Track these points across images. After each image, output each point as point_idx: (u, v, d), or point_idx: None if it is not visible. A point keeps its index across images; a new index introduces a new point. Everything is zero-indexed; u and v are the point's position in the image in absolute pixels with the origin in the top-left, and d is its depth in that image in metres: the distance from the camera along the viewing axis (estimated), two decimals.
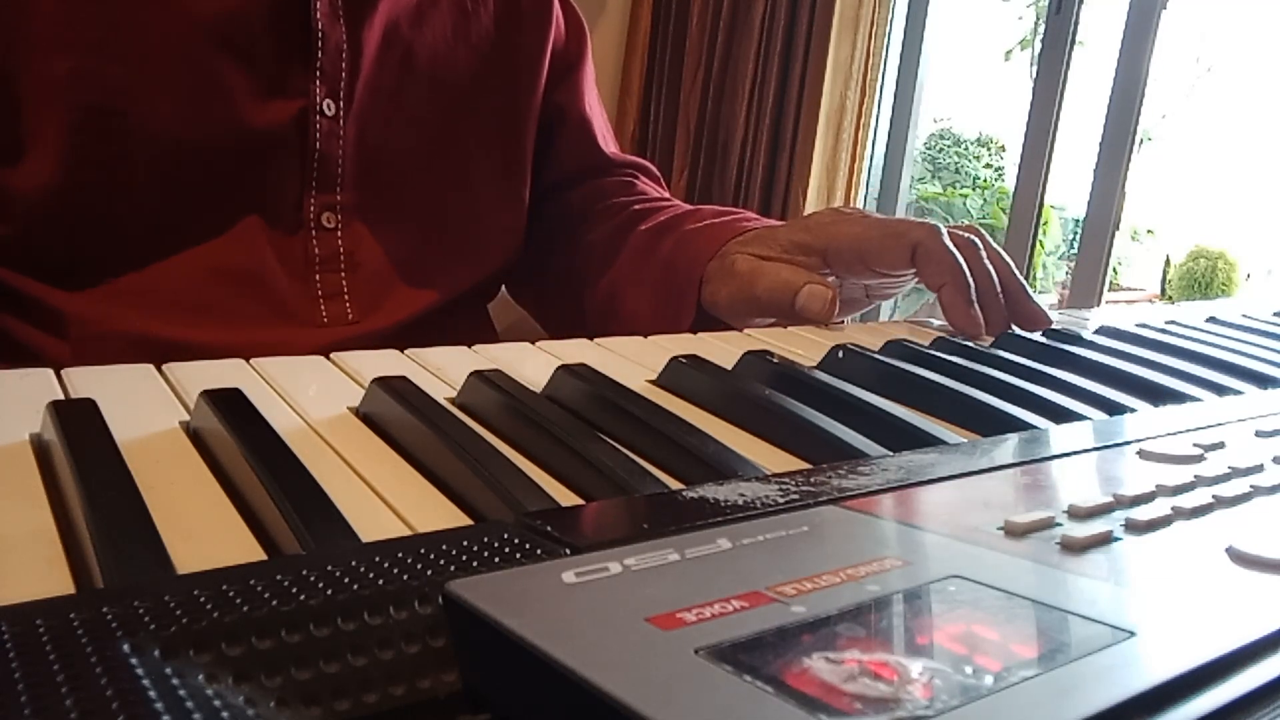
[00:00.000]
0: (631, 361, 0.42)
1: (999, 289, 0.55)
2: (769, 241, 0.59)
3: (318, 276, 0.59)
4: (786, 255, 0.58)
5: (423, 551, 0.20)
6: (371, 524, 0.24)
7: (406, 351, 0.40)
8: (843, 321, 0.64)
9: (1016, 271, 0.56)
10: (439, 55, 0.64)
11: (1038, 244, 2.70)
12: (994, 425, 0.34)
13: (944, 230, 0.55)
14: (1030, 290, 0.56)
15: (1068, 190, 3.19)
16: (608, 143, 0.79)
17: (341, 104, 0.59)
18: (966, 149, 4.70)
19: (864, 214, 0.59)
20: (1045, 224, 3.83)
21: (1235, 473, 0.27)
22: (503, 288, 0.77)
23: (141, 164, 0.54)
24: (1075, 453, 0.30)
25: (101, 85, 0.52)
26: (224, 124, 0.55)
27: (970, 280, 0.53)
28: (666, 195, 0.78)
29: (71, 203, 0.53)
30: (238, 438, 0.26)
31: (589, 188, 0.76)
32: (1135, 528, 0.22)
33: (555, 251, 0.75)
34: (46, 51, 0.51)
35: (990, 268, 0.55)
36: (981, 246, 0.56)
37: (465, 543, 0.20)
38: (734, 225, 0.62)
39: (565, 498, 0.27)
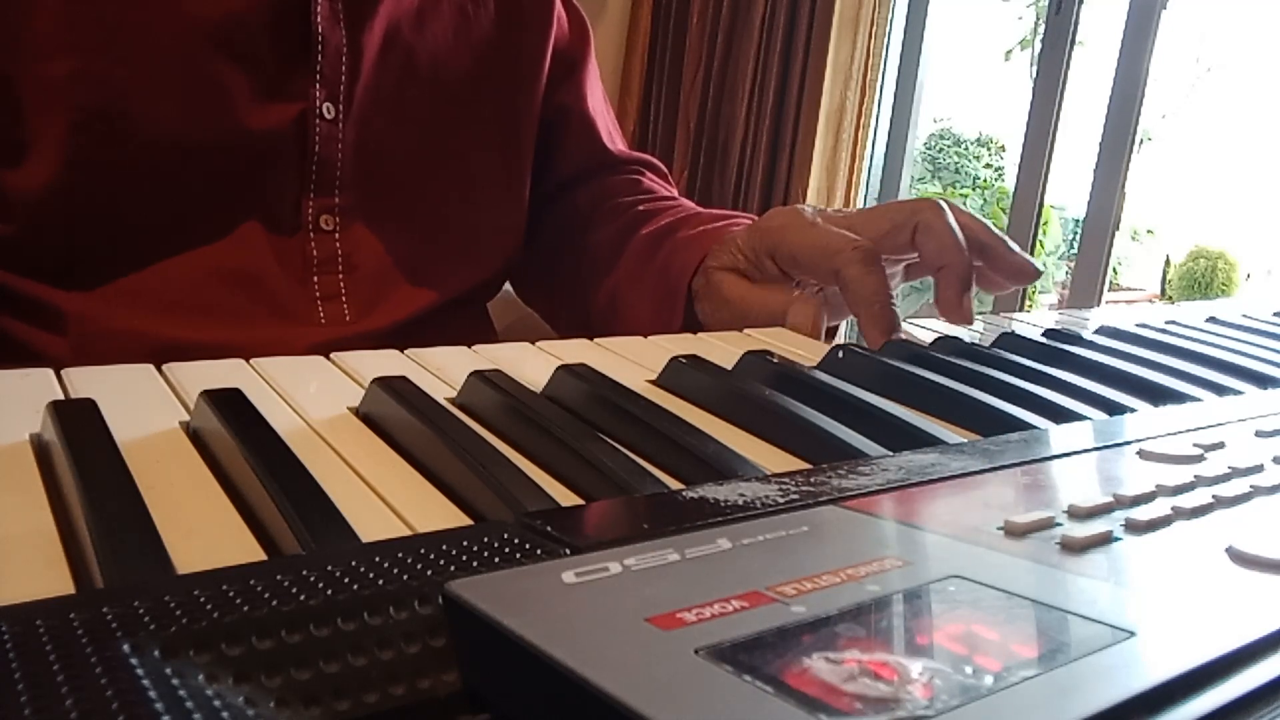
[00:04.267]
0: (631, 361, 0.42)
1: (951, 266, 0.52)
2: (734, 251, 0.58)
3: (315, 278, 0.59)
4: (753, 266, 0.58)
5: (423, 551, 0.20)
6: (371, 524, 0.24)
7: (406, 351, 0.40)
8: (835, 330, 0.64)
9: (993, 229, 0.54)
10: (439, 58, 0.64)
11: (1038, 244, 2.71)
12: (994, 425, 0.34)
13: (871, 250, 0.51)
14: (1011, 243, 0.54)
15: (1068, 190, 3.19)
16: (614, 140, 0.78)
17: (341, 107, 0.59)
18: (966, 149, 4.70)
19: (810, 221, 0.56)
20: (1045, 224, 3.83)
21: (1235, 473, 0.27)
22: (504, 288, 0.77)
23: (141, 165, 0.54)
24: (1075, 453, 0.30)
25: (102, 87, 0.52)
26: (223, 126, 0.55)
27: (883, 296, 0.50)
28: (673, 193, 0.77)
29: (72, 203, 0.53)
30: (238, 438, 0.26)
31: (595, 186, 0.76)
32: (1135, 528, 0.22)
33: (563, 252, 0.75)
34: (47, 53, 0.51)
35: (955, 242, 0.52)
36: (946, 230, 0.53)
37: (465, 543, 0.20)
38: (720, 233, 0.61)
39: (565, 498, 0.27)
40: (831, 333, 0.62)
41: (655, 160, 0.81)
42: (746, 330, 0.53)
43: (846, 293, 0.52)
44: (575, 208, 0.76)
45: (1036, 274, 0.54)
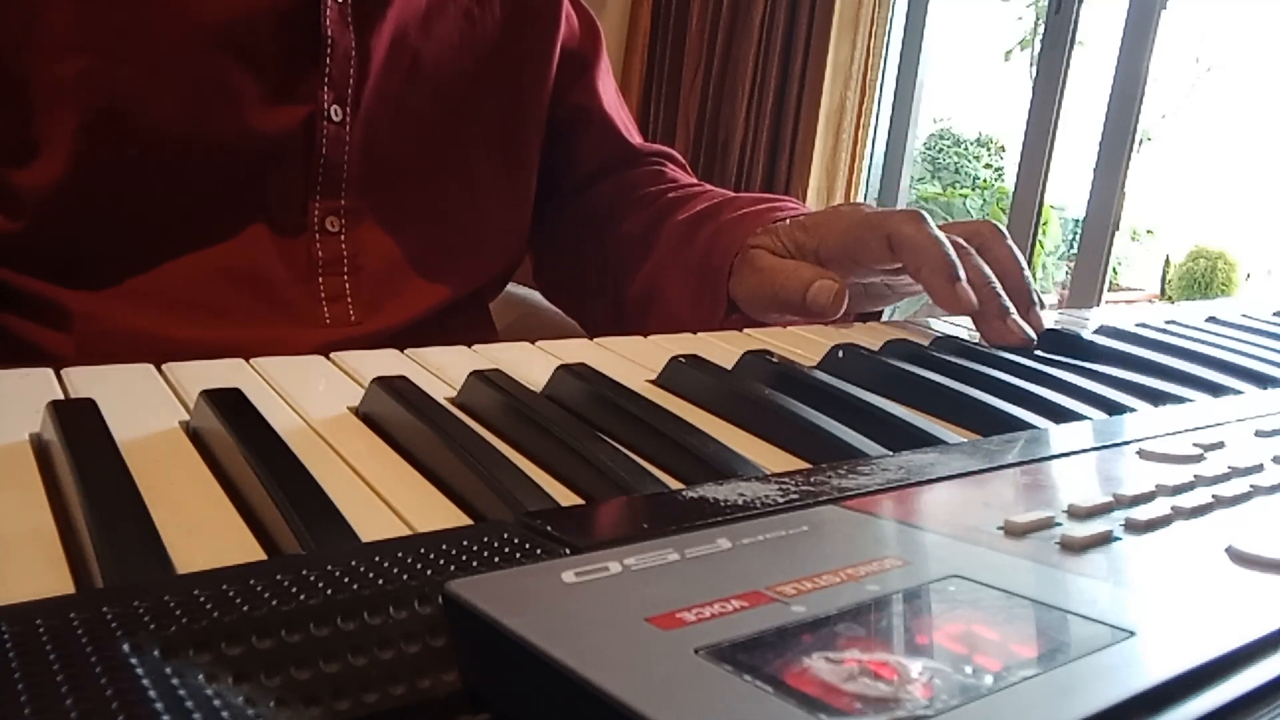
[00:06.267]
0: (631, 361, 0.42)
1: (995, 285, 0.52)
2: (777, 236, 0.59)
3: (321, 279, 0.60)
4: (790, 253, 0.58)
5: (423, 551, 0.20)
6: (371, 524, 0.24)
7: (406, 351, 0.40)
8: (878, 314, 0.65)
9: (1028, 276, 0.54)
10: (445, 62, 0.64)
11: (1038, 244, 2.70)
12: (994, 425, 0.34)
13: (925, 216, 0.54)
14: (1038, 298, 0.54)
15: (1068, 190, 3.19)
16: (632, 134, 0.79)
17: (348, 110, 0.59)
18: (966, 149, 4.70)
19: (855, 208, 0.58)
20: (1045, 224, 3.83)
21: (1235, 473, 0.27)
22: (504, 288, 0.77)
23: (149, 165, 0.54)
24: (1075, 452, 0.30)
25: (111, 87, 0.52)
26: (231, 128, 0.55)
27: (954, 259, 0.51)
28: (696, 181, 0.78)
29: (79, 202, 0.53)
30: (238, 438, 0.26)
31: (619, 180, 0.76)
32: (1135, 527, 0.22)
33: (589, 246, 0.75)
34: (57, 53, 0.51)
35: (982, 264, 0.53)
36: (983, 248, 0.54)
37: (465, 543, 0.20)
38: (766, 215, 0.62)
39: (565, 498, 0.27)
40: (873, 318, 0.63)
41: (674, 152, 0.81)
42: (746, 330, 0.53)
43: (904, 250, 0.52)
44: (599, 201, 0.76)
45: (1028, 342, 0.52)
